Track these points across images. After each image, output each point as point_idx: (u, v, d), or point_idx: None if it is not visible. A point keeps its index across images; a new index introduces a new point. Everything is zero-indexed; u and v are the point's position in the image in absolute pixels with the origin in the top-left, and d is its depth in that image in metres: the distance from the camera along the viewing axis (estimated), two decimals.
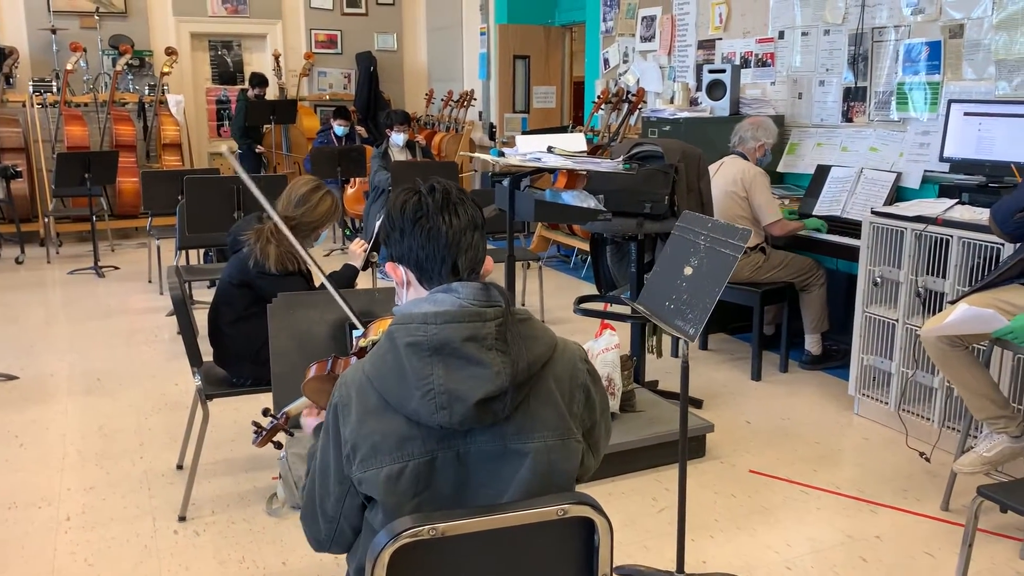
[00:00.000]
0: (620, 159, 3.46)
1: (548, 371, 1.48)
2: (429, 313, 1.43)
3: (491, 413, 1.41)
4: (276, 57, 9.60)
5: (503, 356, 1.41)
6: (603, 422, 1.63)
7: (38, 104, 8.31)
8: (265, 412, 2.04)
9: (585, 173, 3.41)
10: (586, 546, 1.48)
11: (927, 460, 3.48)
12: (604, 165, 3.32)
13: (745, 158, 4.57)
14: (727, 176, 4.51)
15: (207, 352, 3.22)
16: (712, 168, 4.63)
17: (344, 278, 3.23)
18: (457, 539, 1.38)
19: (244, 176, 2.05)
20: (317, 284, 3.26)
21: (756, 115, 5.02)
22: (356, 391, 1.44)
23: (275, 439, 2.01)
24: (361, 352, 1.69)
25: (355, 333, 1.83)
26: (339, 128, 8.03)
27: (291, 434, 1.81)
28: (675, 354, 4.78)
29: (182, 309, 3.02)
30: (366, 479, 1.42)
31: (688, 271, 2.47)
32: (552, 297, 6.03)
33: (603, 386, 1.61)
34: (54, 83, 8.48)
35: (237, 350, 3.12)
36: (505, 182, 3.55)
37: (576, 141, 3.57)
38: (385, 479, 1.40)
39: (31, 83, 8.40)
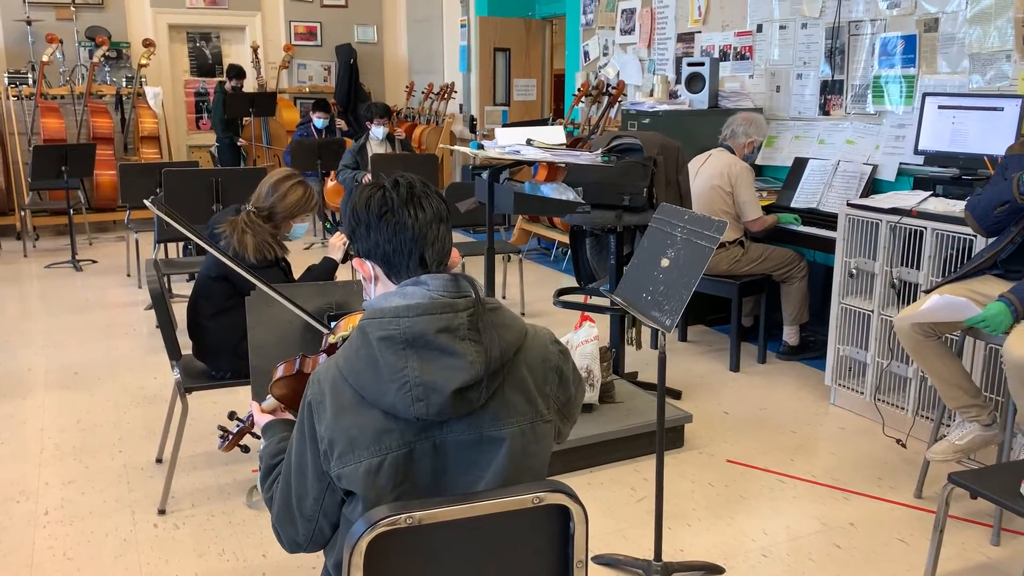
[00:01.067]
0: (598, 152, 3.48)
1: (520, 358, 1.50)
2: (401, 306, 1.43)
3: (467, 402, 1.42)
4: (255, 49, 9.54)
5: (476, 346, 1.42)
6: (578, 393, 1.66)
7: (14, 96, 8.21)
8: (231, 416, 2.04)
9: (564, 166, 3.42)
10: (562, 533, 1.49)
11: (903, 447, 3.53)
12: (582, 158, 3.33)
13: (732, 152, 4.60)
14: (713, 169, 4.54)
15: (186, 345, 3.22)
16: (699, 160, 4.66)
17: (323, 271, 3.23)
18: (434, 527, 1.39)
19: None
20: (294, 279, 3.26)
21: (740, 109, 5.05)
22: (330, 387, 1.45)
23: (242, 443, 2.00)
24: (331, 349, 1.69)
25: (332, 325, 1.83)
26: (319, 121, 8.00)
27: (258, 437, 1.81)
28: (654, 346, 4.81)
29: (161, 303, 3.01)
30: (345, 474, 1.43)
31: (665, 263, 2.49)
32: (533, 289, 6.05)
33: (572, 360, 1.63)
34: (30, 75, 8.39)
35: (216, 343, 3.12)
36: (484, 175, 3.56)
37: (555, 134, 3.58)
38: (364, 473, 1.41)
39: (6, 75, 8.30)
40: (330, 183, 7.87)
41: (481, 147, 3.49)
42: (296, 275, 3.28)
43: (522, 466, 1.48)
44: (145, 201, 2.45)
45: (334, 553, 1.54)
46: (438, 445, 1.45)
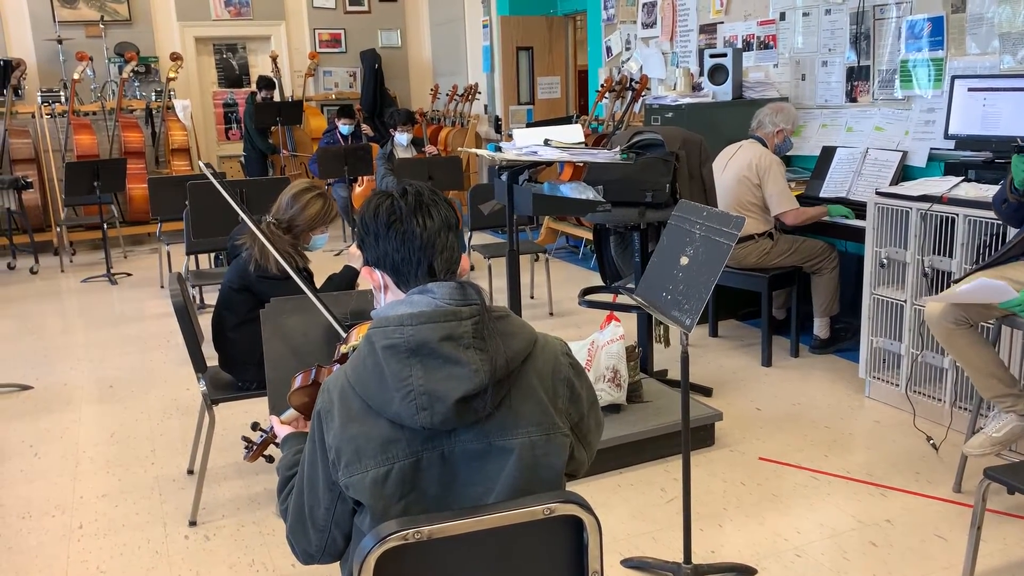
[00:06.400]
0: (617, 149, 3.44)
1: (529, 367, 1.47)
2: (405, 315, 1.42)
3: (472, 411, 1.40)
4: (274, 59, 9.59)
5: (481, 354, 1.40)
6: (591, 415, 1.61)
7: (47, 114, 8.37)
8: (254, 426, 2.05)
9: (583, 164, 3.39)
10: (576, 544, 1.47)
11: (935, 448, 3.43)
12: (600, 156, 3.30)
13: (763, 143, 4.53)
14: (742, 161, 4.47)
15: (212, 357, 3.24)
16: (729, 151, 4.59)
17: (344, 280, 3.23)
18: (444, 541, 1.38)
19: (224, 193, 2.07)
20: (318, 284, 3.27)
21: (768, 99, 4.97)
22: (338, 396, 1.44)
23: (266, 453, 2.01)
24: (343, 359, 1.69)
25: (345, 335, 1.83)
26: (344, 127, 8.04)
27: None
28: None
29: (184, 316, 3.03)
30: (352, 484, 1.42)
31: (684, 261, 2.45)
32: (561, 288, 6.02)
33: (588, 379, 1.59)
34: (62, 93, 8.54)
35: (241, 355, 3.14)
36: (504, 176, 3.54)
37: (573, 132, 3.55)
38: (371, 483, 1.40)
39: (39, 94, 8.47)
40: (358, 188, 7.91)
41: (499, 149, 3.47)
42: (318, 284, 3.29)
43: (533, 477, 1.45)
44: (200, 163, 2.57)
45: (347, 565, 1.53)
46: (446, 455, 1.43)
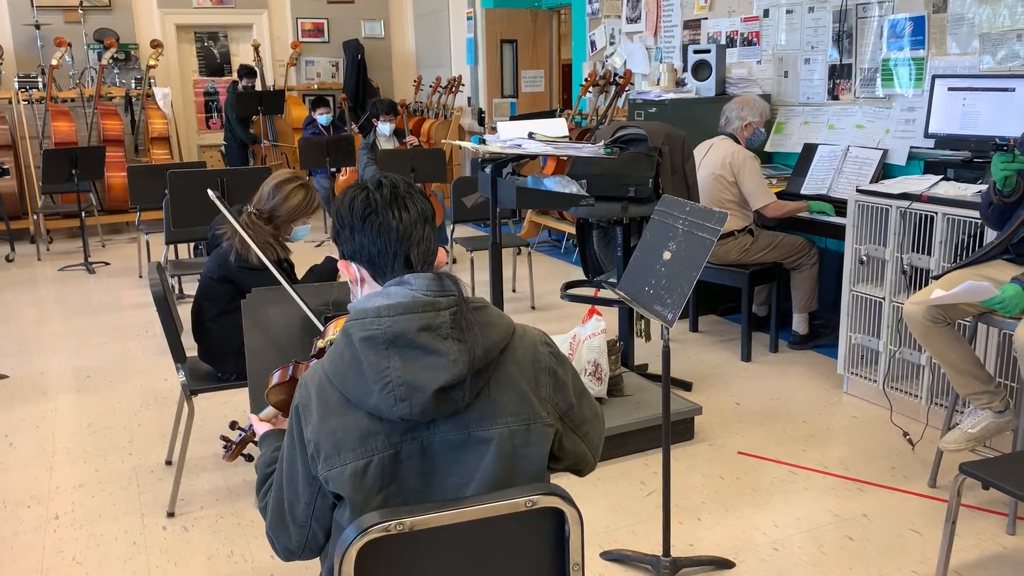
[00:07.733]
0: (601, 143, 3.44)
1: (508, 357, 1.47)
2: (383, 306, 1.42)
3: (451, 402, 1.40)
4: (256, 48, 9.51)
5: (459, 344, 1.40)
6: (583, 404, 1.59)
7: (24, 101, 8.26)
8: (233, 425, 2.03)
9: (567, 158, 3.39)
10: (557, 536, 1.47)
11: (911, 443, 3.47)
12: (585, 150, 3.30)
13: (736, 139, 4.53)
14: (715, 159, 4.47)
15: (192, 347, 3.22)
16: (702, 148, 4.60)
17: (325, 271, 3.21)
18: (426, 532, 1.38)
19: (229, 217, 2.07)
20: (300, 276, 3.25)
21: (743, 94, 4.99)
22: (316, 391, 1.44)
23: (245, 452, 2.00)
24: (320, 353, 1.68)
25: (322, 329, 1.82)
26: (322, 117, 7.97)
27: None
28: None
29: (163, 306, 3.01)
30: (332, 477, 1.41)
31: (667, 256, 2.46)
32: (543, 282, 6.02)
33: (572, 367, 1.59)
34: (40, 79, 8.43)
35: (221, 345, 3.11)
36: (487, 169, 3.53)
37: (557, 126, 3.54)
38: (350, 476, 1.40)
39: (16, 79, 8.35)
40: (341, 179, 7.87)
41: (483, 141, 3.46)
42: (299, 275, 3.27)
43: (513, 469, 1.45)
44: (209, 191, 2.56)
45: (327, 559, 1.53)
46: (425, 446, 1.43)
